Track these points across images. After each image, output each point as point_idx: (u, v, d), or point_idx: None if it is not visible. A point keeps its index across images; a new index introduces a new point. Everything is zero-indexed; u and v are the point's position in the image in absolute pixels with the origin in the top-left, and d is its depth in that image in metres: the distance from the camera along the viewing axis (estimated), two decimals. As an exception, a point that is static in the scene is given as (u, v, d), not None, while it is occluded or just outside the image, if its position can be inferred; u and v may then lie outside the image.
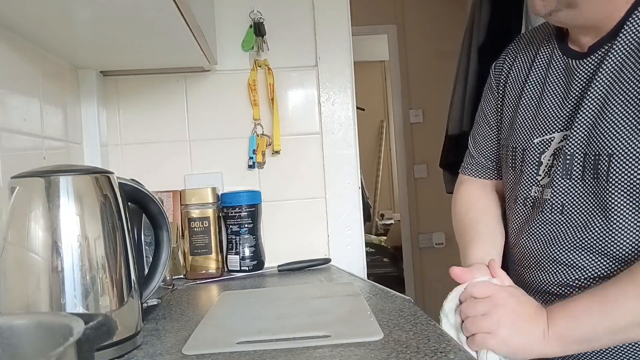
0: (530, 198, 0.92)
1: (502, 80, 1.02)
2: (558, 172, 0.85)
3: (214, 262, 1.30)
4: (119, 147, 1.43)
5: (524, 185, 0.93)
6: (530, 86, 0.94)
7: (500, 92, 1.02)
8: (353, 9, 1.49)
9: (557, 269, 0.87)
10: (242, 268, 1.31)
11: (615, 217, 0.79)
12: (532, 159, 0.91)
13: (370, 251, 4.26)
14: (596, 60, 0.83)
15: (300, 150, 1.46)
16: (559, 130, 0.88)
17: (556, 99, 0.89)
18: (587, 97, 0.82)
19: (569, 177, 0.84)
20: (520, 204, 0.94)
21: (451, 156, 2.29)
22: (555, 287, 0.88)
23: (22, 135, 1.01)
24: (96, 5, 0.88)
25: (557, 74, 0.90)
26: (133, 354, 0.74)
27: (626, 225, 0.79)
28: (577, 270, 0.85)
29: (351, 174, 1.47)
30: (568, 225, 0.85)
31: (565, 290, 0.86)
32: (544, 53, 0.94)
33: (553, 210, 0.87)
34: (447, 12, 3.64)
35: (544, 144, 0.90)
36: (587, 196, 0.82)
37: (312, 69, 1.47)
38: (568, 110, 0.87)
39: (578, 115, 0.83)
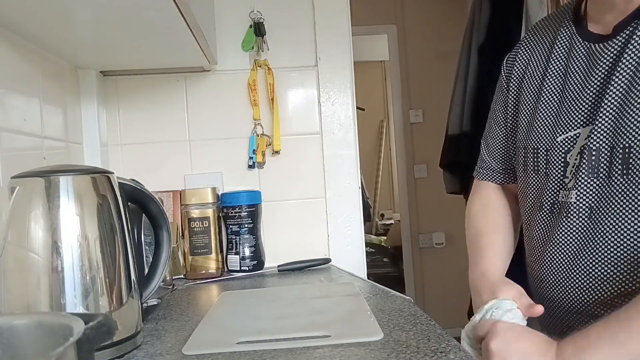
0: (558, 204, 0.83)
1: (515, 77, 0.94)
2: (583, 172, 0.77)
3: (214, 262, 1.30)
4: (119, 147, 1.43)
5: (550, 190, 0.84)
6: (551, 79, 0.86)
7: (514, 89, 0.94)
8: (353, 9, 1.49)
9: (589, 283, 0.78)
10: (242, 268, 1.31)
11: None
12: (558, 160, 0.82)
13: (370, 251, 4.26)
14: (621, 42, 0.75)
15: (300, 150, 1.46)
16: (584, 125, 0.79)
17: (579, 90, 0.81)
18: (612, 84, 0.75)
19: (595, 175, 0.76)
20: (547, 211, 0.85)
21: (451, 156, 2.29)
22: (588, 307, 0.79)
23: (22, 135, 1.01)
24: (96, 5, 0.88)
25: (579, 62, 0.81)
26: (133, 354, 0.74)
27: None
28: (611, 285, 0.75)
29: (351, 174, 1.47)
30: (597, 231, 0.76)
31: (601, 310, 0.77)
32: (562, 41, 0.85)
33: (580, 215, 0.79)
34: (447, 12, 3.64)
35: (569, 141, 0.81)
36: (617, 196, 0.74)
37: (312, 69, 1.47)
38: (590, 100, 0.78)
39: (602, 105, 0.76)
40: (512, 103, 0.95)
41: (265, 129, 1.45)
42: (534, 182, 0.88)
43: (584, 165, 0.77)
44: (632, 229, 0.73)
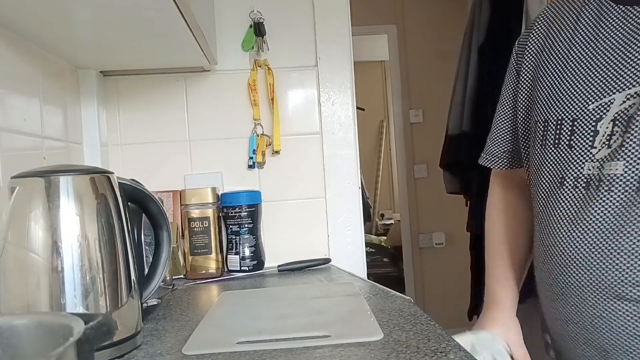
0: (583, 177, 0.77)
1: (529, 55, 0.90)
2: (633, 140, 0.71)
3: (214, 262, 1.30)
4: (119, 147, 1.43)
5: (574, 163, 0.78)
6: (579, 47, 0.80)
7: (528, 68, 0.90)
8: (353, 9, 1.49)
9: (631, 262, 0.71)
10: (242, 268, 1.32)
11: None
12: (586, 129, 0.76)
13: (370, 251, 4.25)
14: None
15: (300, 150, 1.46)
16: (620, 90, 0.73)
17: (615, 56, 0.75)
18: None
19: None
20: (570, 187, 0.78)
21: (451, 156, 2.29)
22: (625, 288, 0.72)
23: (22, 135, 1.01)
24: (96, 5, 0.88)
25: (612, 28, 0.77)
26: (133, 354, 0.74)
27: None
28: None
29: (351, 174, 1.47)
30: None
31: (638, 292, 0.71)
32: (589, 10, 0.81)
33: (627, 188, 0.72)
34: (447, 12, 3.64)
35: (601, 108, 0.75)
36: None
37: (312, 69, 1.47)
38: (633, 64, 0.73)
39: None
40: (526, 82, 0.90)
41: (265, 129, 1.45)
42: (552, 157, 0.82)
43: (633, 133, 0.71)
44: None
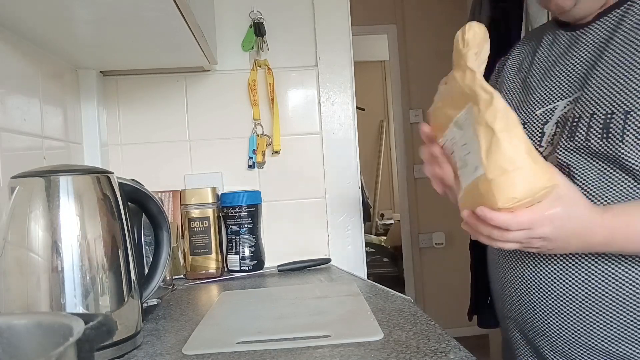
0: None
1: (506, 71, 1.03)
2: (563, 137, 0.83)
3: (214, 262, 1.30)
4: (119, 147, 1.43)
5: None
6: (535, 67, 0.96)
7: (501, 81, 1.03)
8: (353, 9, 1.49)
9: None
10: (242, 268, 1.32)
11: (635, 175, 0.77)
12: (535, 131, 0.89)
13: (370, 251, 4.26)
14: (609, 23, 0.84)
15: (300, 150, 1.46)
16: (562, 98, 0.87)
17: (561, 71, 0.89)
18: (603, 59, 0.82)
19: (572, 139, 0.82)
20: None
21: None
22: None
23: (22, 135, 1.01)
24: (96, 5, 0.88)
25: (561, 49, 0.92)
26: (133, 354, 0.74)
27: None
28: None
29: (351, 174, 1.48)
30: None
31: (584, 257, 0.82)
32: (548, 37, 0.97)
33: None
34: (447, 12, 3.64)
35: (548, 113, 0.88)
36: (592, 157, 0.80)
37: (312, 69, 1.47)
38: (577, 76, 0.86)
39: (591, 78, 0.83)
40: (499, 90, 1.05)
41: (265, 129, 1.45)
42: None
43: (564, 132, 0.84)
44: (612, 185, 0.78)
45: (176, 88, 1.44)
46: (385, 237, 4.88)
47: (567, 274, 0.82)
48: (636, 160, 0.76)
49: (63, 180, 0.70)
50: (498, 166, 0.67)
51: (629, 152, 0.76)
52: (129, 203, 0.81)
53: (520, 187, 0.67)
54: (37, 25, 0.97)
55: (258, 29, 1.42)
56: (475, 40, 0.75)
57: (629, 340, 0.79)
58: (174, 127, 1.44)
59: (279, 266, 1.31)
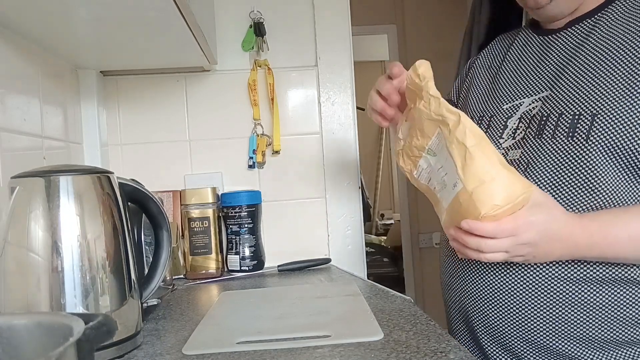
0: None
1: (475, 68, 1.08)
2: (531, 133, 0.87)
3: (214, 262, 1.30)
4: (119, 147, 1.43)
5: None
6: (506, 66, 1.00)
7: (470, 77, 1.08)
8: (353, 9, 1.49)
9: None
10: (242, 268, 1.32)
11: (595, 175, 0.80)
12: (498, 124, 0.94)
13: (370, 251, 4.26)
14: (580, 30, 0.89)
15: (300, 150, 1.46)
16: (528, 96, 0.92)
17: (530, 71, 0.94)
18: (573, 64, 0.87)
19: (539, 136, 0.86)
20: None
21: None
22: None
23: (22, 135, 1.01)
24: (96, 5, 0.88)
25: (532, 51, 0.97)
26: (133, 354, 0.74)
27: (605, 180, 0.80)
28: None
29: (351, 174, 1.48)
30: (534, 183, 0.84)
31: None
32: (520, 38, 1.02)
33: (520, 169, 0.87)
34: (447, 12, 3.64)
35: (513, 108, 0.94)
36: (557, 154, 0.83)
37: (312, 69, 1.47)
38: (546, 76, 0.91)
39: (561, 79, 0.87)
40: (465, 87, 1.10)
41: (265, 129, 1.45)
42: None
43: (532, 128, 0.88)
44: (576, 183, 0.81)
45: (176, 88, 1.44)
46: (385, 237, 4.88)
47: (507, 269, 0.86)
48: (598, 160, 0.80)
49: (63, 180, 0.70)
50: (476, 178, 0.73)
51: (591, 153, 0.80)
52: (129, 203, 0.81)
53: (499, 194, 0.72)
54: (37, 25, 0.97)
55: (258, 29, 1.42)
56: (428, 72, 0.82)
57: (563, 336, 0.82)
58: (174, 127, 1.44)
59: (279, 266, 1.31)
